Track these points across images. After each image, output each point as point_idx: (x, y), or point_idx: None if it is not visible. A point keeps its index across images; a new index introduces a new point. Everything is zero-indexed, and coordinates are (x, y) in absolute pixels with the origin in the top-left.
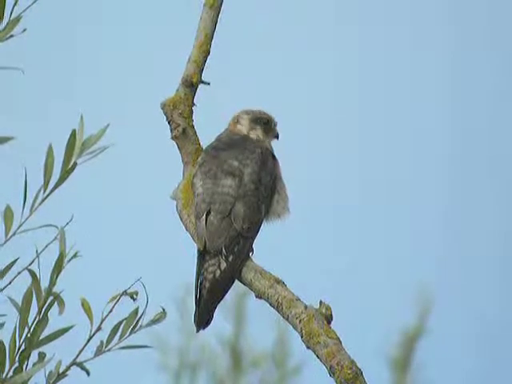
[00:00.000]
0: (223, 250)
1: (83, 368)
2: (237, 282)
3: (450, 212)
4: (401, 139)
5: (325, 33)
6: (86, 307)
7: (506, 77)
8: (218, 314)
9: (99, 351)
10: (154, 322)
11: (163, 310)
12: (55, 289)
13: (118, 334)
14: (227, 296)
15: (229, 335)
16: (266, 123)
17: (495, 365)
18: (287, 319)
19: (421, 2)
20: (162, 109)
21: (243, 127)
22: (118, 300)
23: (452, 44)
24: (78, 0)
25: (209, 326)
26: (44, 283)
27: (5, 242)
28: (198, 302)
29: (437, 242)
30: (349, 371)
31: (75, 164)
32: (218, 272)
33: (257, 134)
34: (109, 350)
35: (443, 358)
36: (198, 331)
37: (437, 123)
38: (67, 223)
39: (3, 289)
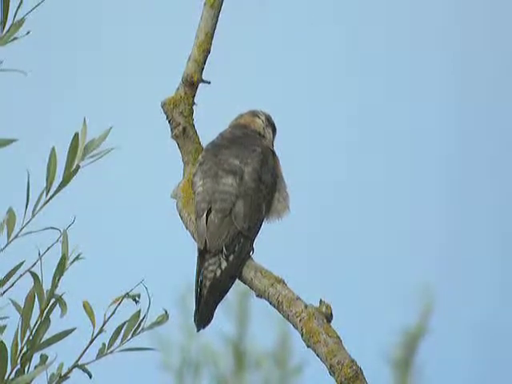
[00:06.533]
0: (224, 249)
1: (85, 370)
2: (238, 281)
3: (451, 211)
4: (401, 139)
5: (325, 32)
6: (88, 309)
7: (506, 77)
8: (220, 313)
9: (101, 353)
10: (157, 324)
11: (165, 312)
12: (57, 291)
13: (120, 336)
14: (229, 295)
15: (231, 334)
16: (274, 126)
17: (496, 365)
18: (287, 318)
19: (421, 2)
20: (163, 108)
21: (262, 123)
22: (120, 302)
23: (452, 44)
24: (79, 1)
25: (211, 325)
26: (46, 285)
27: (7, 245)
28: (198, 301)
29: (438, 242)
30: (349, 370)
31: (78, 167)
32: (219, 271)
33: (269, 132)
34: (111, 353)
35: (444, 357)
36: (198, 330)
37: (437, 123)
38: (69, 225)
39: (5, 291)
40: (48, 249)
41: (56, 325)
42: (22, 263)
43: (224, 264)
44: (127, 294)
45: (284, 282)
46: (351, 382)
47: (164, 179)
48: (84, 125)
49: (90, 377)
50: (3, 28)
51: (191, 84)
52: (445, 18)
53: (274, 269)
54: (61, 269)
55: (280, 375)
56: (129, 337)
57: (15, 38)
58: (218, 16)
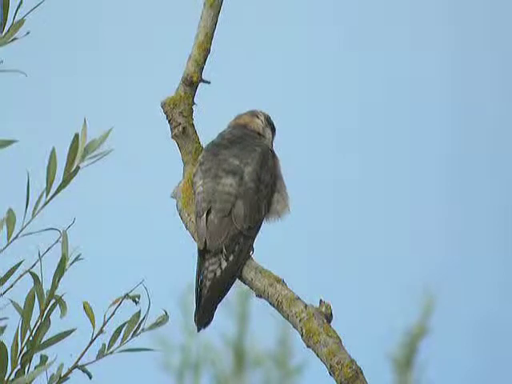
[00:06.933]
0: (224, 250)
1: (85, 371)
2: (239, 281)
3: (451, 211)
4: (401, 139)
5: (324, 32)
6: (88, 310)
7: (506, 77)
8: (220, 313)
9: (101, 354)
10: (157, 325)
11: (165, 313)
12: (57, 292)
13: (120, 336)
14: (229, 295)
15: (231, 334)
16: (273, 127)
17: (497, 364)
18: (287, 318)
19: (421, 2)
20: (163, 108)
21: (261, 123)
22: (120, 303)
23: (452, 44)
24: (79, 2)
25: (211, 325)
26: (46, 286)
27: (7, 246)
28: (198, 301)
29: (439, 242)
30: (349, 370)
31: (78, 168)
32: (219, 271)
33: (268, 132)
34: (111, 353)
35: (445, 357)
36: (198, 331)
37: (437, 123)
38: (69, 226)
39: (5, 292)
40: (48, 249)
41: (56, 325)
42: (20, 262)
43: (224, 264)
44: (127, 294)
45: (284, 282)
46: (351, 382)
47: (164, 179)
48: (84, 125)
49: (90, 377)
50: (3, 28)
51: (191, 84)
52: (445, 17)
53: (273, 269)
54: (61, 269)
55: (280, 375)
56: (129, 337)
57: (15, 39)
58: (217, 16)
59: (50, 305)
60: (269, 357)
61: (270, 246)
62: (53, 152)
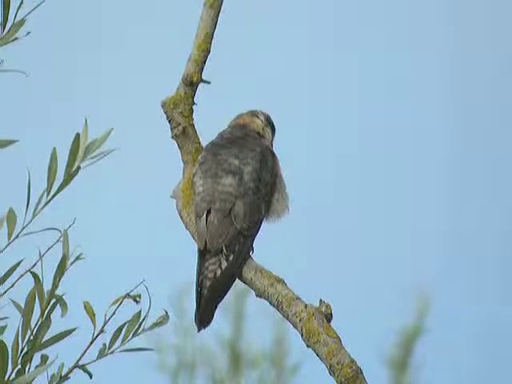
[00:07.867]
0: (224, 249)
1: (86, 371)
2: (235, 282)
3: (449, 212)
4: (401, 139)
5: (324, 32)
6: (89, 310)
7: (506, 76)
8: (216, 313)
9: (102, 354)
10: (157, 325)
11: (166, 313)
12: (58, 291)
13: (121, 336)
14: (226, 295)
15: (227, 335)
16: (273, 127)
17: (494, 364)
18: (287, 318)
19: (421, 2)
20: (163, 108)
21: (261, 123)
22: (120, 303)
23: (452, 44)
24: (79, 2)
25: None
26: (47, 286)
27: (7, 245)
28: (198, 301)
29: (436, 242)
30: (349, 370)
31: (79, 168)
32: (219, 271)
33: (268, 132)
34: (112, 353)
35: (441, 357)
36: (199, 331)
37: (437, 123)
38: (70, 226)
39: (6, 291)
40: (48, 249)
41: (57, 325)
42: (20, 261)
43: (224, 264)
44: (128, 294)
45: (284, 282)
46: (351, 382)
47: (164, 179)
48: (85, 126)
49: (91, 377)
50: (4, 28)
51: (191, 84)
52: (445, 17)
53: (273, 269)
54: (61, 269)
55: (276, 375)
56: (129, 337)
57: (16, 39)
58: (217, 16)
59: (51, 304)
60: (265, 357)
61: (270, 246)
62: (53, 152)
